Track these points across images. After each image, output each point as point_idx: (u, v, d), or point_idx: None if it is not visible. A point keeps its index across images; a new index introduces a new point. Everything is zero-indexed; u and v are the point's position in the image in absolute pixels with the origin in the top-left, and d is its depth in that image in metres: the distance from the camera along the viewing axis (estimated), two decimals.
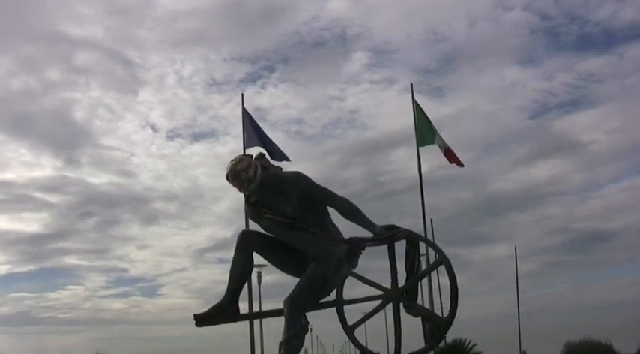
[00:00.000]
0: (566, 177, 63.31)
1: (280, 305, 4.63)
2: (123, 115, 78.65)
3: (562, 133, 60.47)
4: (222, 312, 4.87)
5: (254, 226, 4.95)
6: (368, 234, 4.57)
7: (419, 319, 4.49)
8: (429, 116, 18.20)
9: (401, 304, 4.46)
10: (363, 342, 4.71)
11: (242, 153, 4.63)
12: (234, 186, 4.74)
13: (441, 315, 4.53)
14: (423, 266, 4.55)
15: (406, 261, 4.54)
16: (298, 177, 4.79)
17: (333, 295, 4.70)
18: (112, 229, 78.53)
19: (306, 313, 4.66)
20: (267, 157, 5.03)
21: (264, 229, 4.84)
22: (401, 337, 4.43)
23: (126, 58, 72.75)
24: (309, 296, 4.65)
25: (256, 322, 18.43)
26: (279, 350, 4.50)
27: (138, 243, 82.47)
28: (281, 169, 4.96)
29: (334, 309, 4.66)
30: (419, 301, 4.61)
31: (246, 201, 4.91)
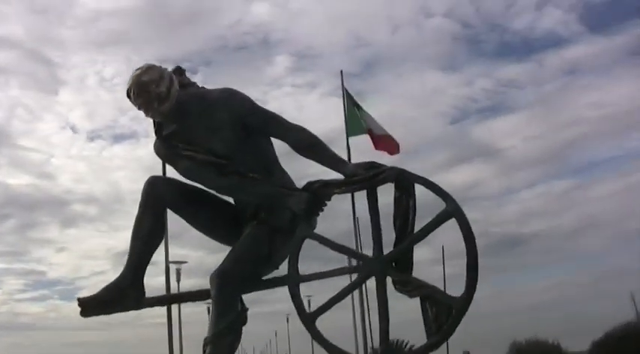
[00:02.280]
0: (484, 182, 64.14)
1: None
2: (42, 115, 76.25)
3: (481, 138, 61.33)
4: (121, 296, 3.28)
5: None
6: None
7: (417, 300, 2.99)
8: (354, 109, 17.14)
9: (389, 280, 2.98)
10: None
11: None
12: (139, 106, 3.16)
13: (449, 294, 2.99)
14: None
15: (395, 214, 3.06)
16: (232, 96, 3.25)
17: (282, 270, 3.21)
18: (30, 231, 75.33)
19: (244, 296, 3.17)
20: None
21: (183, 174, 3.32)
22: (388, 328, 2.95)
23: (46, 57, 69.55)
24: (248, 271, 3.14)
25: (175, 323, 16.65)
26: (204, 351, 2.98)
27: (56, 246, 79.55)
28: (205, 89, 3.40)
29: (285, 289, 3.14)
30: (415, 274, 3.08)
31: (156, 132, 3.33)
